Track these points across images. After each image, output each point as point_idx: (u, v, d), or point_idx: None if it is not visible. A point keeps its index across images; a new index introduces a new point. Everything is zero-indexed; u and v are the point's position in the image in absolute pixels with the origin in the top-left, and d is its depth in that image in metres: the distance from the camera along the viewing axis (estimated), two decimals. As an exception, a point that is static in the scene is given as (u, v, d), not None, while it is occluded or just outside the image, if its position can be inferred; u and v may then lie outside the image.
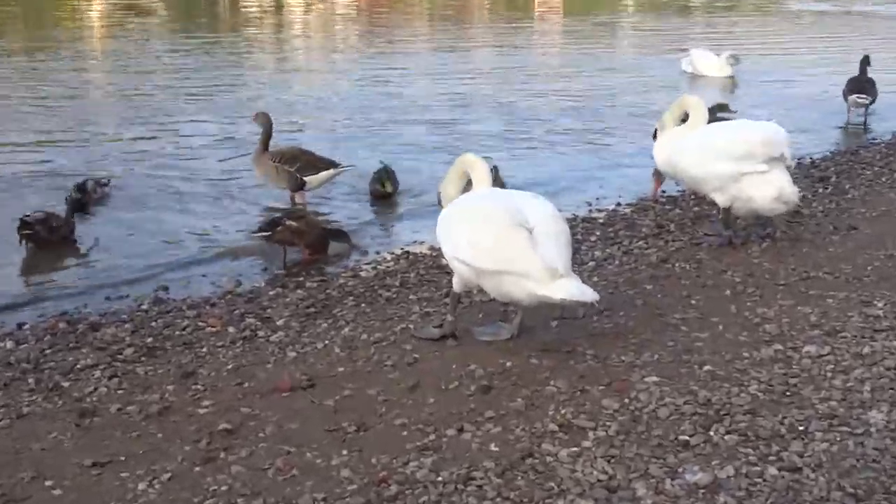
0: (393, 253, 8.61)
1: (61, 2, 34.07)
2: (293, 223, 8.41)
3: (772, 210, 7.85)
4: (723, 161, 7.74)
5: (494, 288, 5.67)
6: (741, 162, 7.70)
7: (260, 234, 8.49)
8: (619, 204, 10.13)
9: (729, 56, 18.83)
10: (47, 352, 6.24)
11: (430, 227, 9.25)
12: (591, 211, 9.92)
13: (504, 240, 5.49)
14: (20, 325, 6.92)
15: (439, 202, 6.46)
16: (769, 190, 7.71)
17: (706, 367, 5.46)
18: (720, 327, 6.13)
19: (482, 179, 6.13)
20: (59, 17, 29.71)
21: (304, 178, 10.10)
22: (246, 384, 5.52)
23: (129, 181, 10.89)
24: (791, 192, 7.74)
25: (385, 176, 10.43)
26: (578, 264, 7.75)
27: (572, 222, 9.27)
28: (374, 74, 18.71)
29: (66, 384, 5.66)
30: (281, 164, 10.05)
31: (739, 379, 5.30)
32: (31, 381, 5.72)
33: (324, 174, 10.22)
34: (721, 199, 7.90)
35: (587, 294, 5.45)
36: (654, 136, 8.81)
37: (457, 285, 5.91)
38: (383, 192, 10.34)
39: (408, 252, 8.57)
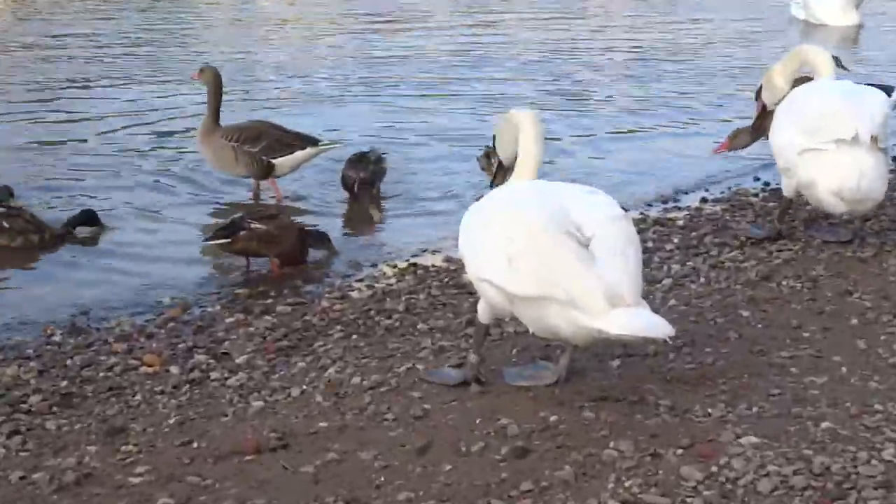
0: (395, 266, 8.64)
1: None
2: (260, 226, 8.45)
3: (831, 206, 7.96)
4: (788, 130, 7.98)
5: (533, 319, 5.65)
6: (804, 135, 7.85)
7: (216, 240, 8.53)
8: (705, 200, 10.14)
9: None
10: (-78, 399, 6.30)
11: (445, 231, 9.35)
12: (666, 209, 9.94)
13: (549, 255, 5.44)
14: None
15: (485, 167, 6.40)
16: (829, 180, 7.79)
17: (824, 425, 5.44)
18: (843, 370, 6.12)
19: (530, 162, 6.08)
20: None
21: (273, 162, 10.11)
22: (195, 444, 5.55)
23: (33, 162, 11.00)
24: (855, 187, 7.72)
25: (362, 159, 10.28)
26: (648, 282, 7.76)
27: (640, 225, 9.30)
28: (380, 26, 18.82)
29: (-51, 443, 5.71)
30: (240, 143, 10.05)
31: (869, 440, 5.28)
32: None
33: (299, 154, 10.23)
34: (784, 183, 8.27)
35: (659, 328, 5.39)
36: (757, 97, 9.01)
37: (483, 314, 5.91)
38: (355, 179, 10.12)
39: (415, 265, 8.60)
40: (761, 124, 9.39)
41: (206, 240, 8.71)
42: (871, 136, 7.64)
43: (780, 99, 8.46)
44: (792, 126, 7.98)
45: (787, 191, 8.24)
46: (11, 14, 19.55)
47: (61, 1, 20.61)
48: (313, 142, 10.38)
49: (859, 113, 7.70)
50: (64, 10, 19.69)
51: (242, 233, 8.41)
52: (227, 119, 10.37)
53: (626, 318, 5.32)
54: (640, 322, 5.37)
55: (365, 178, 9.98)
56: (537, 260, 5.43)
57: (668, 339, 5.53)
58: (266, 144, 10.06)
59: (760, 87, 9.04)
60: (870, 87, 8.48)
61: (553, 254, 5.42)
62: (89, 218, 9.28)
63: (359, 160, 10.22)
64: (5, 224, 8.93)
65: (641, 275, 5.61)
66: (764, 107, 9.09)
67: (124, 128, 12.69)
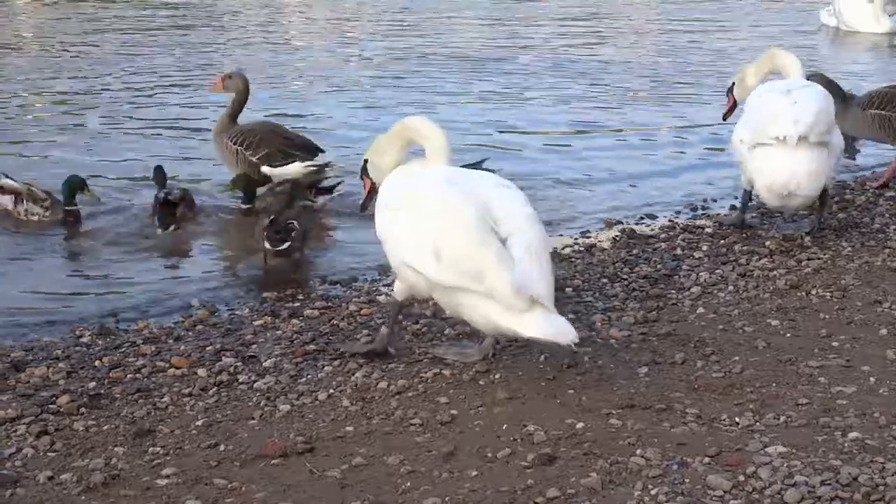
0: (422, 271, 8.62)
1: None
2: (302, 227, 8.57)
3: (766, 200, 8.59)
4: (741, 127, 8.67)
5: (451, 306, 6.12)
6: (752, 132, 8.49)
7: (276, 247, 8.54)
8: (734, 207, 10.10)
9: (888, 3, 18.63)
10: (-46, 398, 6.33)
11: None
12: (695, 217, 9.92)
13: (474, 252, 5.82)
14: (-87, 364, 7.02)
15: (363, 174, 6.74)
16: (764, 176, 8.39)
17: (852, 435, 5.43)
18: (872, 380, 6.11)
19: (438, 152, 6.33)
20: None
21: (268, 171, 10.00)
22: (221, 447, 5.57)
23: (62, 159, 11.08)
24: (784, 184, 8.24)
25: None
26: (677, 289, 7.76)
27: (669, 232, 9.30)
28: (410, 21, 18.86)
29: (-23, 443, 5.74)
30: (243, 148, 10.03)
31: (898, 451, 5.28)
32: (-71, 438, 5.81)
33: (297, 167, 10.04)
34: (742, 177, 8.91)
35: (564, 333, 5.76)
36: (729, 91, 9.72)
37: (399, 293, 6.36)
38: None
39: (443, 269, 8.58)
40: None
41: (268, 249, 8.69)
42: (801, 136, 8.14)
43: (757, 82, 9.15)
44: (744, 123, 8.65)
45: (744, 183, 8.90)
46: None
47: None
48: (312, 152, 10.18)
49: (793, 113, 8.21)
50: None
51: (293, 234, 8.49)
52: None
53: (539, 322, 5.75)
54: (550, 327, 5.76)
55: None
56: (464, 255, 5.82)
57: (573, 345, 5.90)
58: (266, 153, 9.99)
59: (733, 84, 9.54)
60: (819, 87, 8.86)
61: (479, 251, 5.80)
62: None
63: None
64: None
65: (553, 275, 6.00)
66: (734, 102, 9.74)
67: (147, 128, 12.77)
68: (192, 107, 13.90)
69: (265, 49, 17.41)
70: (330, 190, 10.12)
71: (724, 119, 10.08)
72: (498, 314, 5.81)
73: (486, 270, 5.76)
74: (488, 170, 9.97)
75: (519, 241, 5.88)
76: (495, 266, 5.76)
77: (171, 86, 15.16)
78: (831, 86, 10.27)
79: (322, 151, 10.30)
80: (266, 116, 11.66)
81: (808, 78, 10.08)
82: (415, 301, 6.47)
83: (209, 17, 19.75)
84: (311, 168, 10.10)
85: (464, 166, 10.17)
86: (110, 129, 12.98)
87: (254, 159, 9.97)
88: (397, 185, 6.33)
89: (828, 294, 7.52)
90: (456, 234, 5.86)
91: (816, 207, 8.81)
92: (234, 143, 10.10)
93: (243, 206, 9.90)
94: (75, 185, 9.66)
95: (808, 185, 8.27)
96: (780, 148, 8.26)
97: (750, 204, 9.24)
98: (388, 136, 6.57)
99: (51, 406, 6.13)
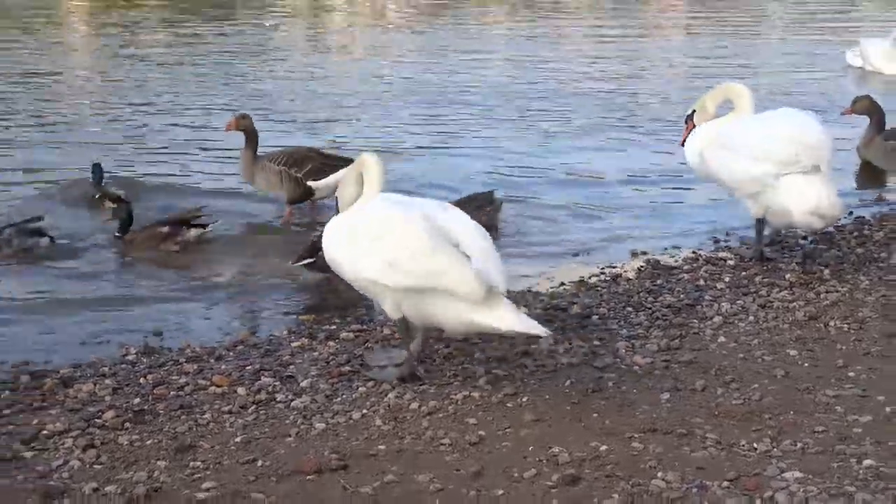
0: (454, 297, 8.64)
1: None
2: None
3: (806, 223, 8.73)
4: (752, 161, 8.76)
5: (424, 314, 6.37)
6: (774, 164, 8.64)
7: (301, 262, 8.62)
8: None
9: None
10: (5, 412, 6.38)
11: (503, 264, 9.39)
12: (717, 248, 9.91)
13: (432, 255, 6.17)
14: (-31, 379, 7.09)
15: (337, 210, 6.95)
16: (802, 201, 8.56)
17: (867, 462, 5.42)
18: (887, 409, 6.09)
19: (374, 184, 6.71)
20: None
21: (312, 185, 10.52)
22: (259, 462, 5.61)
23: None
24: (830, 205, 8.52)
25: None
26: (700, 318, 7.76)
27: (693, 262, 9.30)
28: (447, 62, 18.90)
29: (28, 454, 5.77)
30: (287, 167, 10.49)
31: (911, 479, 5.27)
32: (-17, 449, 5.87)
33: (333, 178, 10.37)
34: (753, 208, 8.97)
35: (536, 326, 6.14)
36: (687, 120, 9.80)
37: (390, 312, 6.52)
38: None
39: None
40: None
41: (293, 262, 8.80)
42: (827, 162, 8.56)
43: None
44: (752, 159, 8.74)
45: (757, 214, 9.01)
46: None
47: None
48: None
49: (823, 142, 8.59)
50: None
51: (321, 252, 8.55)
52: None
53: (511, 316, 6.13)
54: (523, 321, 6.14)
55: None
56: (419, 257, 6.16)
57: (547, 336, 6.28)
58: (310, 168, 10.50)
59: (692, 113, 9.67)
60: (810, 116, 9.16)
61: (434, 251, 6.16)
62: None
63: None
64: None
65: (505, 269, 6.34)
66: (693, 127, 9.77)
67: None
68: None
69: (304, 80, 17.50)
70: (204, 226, 10.20)
71: (682, 144, 10.05)
72: (470, 312, 6.15)
73: (445, 267, 6.14)
74: (500, 199, 10.05)
75: (471, 243, 6.30)
76: (453, 261, 6.14)
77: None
78: (878, 110, 10.42)
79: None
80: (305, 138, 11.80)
81: (856, 100, 10.27)
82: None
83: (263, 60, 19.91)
84: None
85: (474, 195, 10.24)
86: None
87: (299, 175, 10.41)
88: (344, 218, 6.70)
89: (845, 326, 7.51)
90: (409, 244, 6.22)
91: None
92: (279, 165, 10.46)
93: (116, 235, 10.07)
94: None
95: (840, 205, 8.68)
96: (816, 177, 8.54)
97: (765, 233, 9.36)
98: (349, 169, 6.97)
99: (97, 420, 6.18)
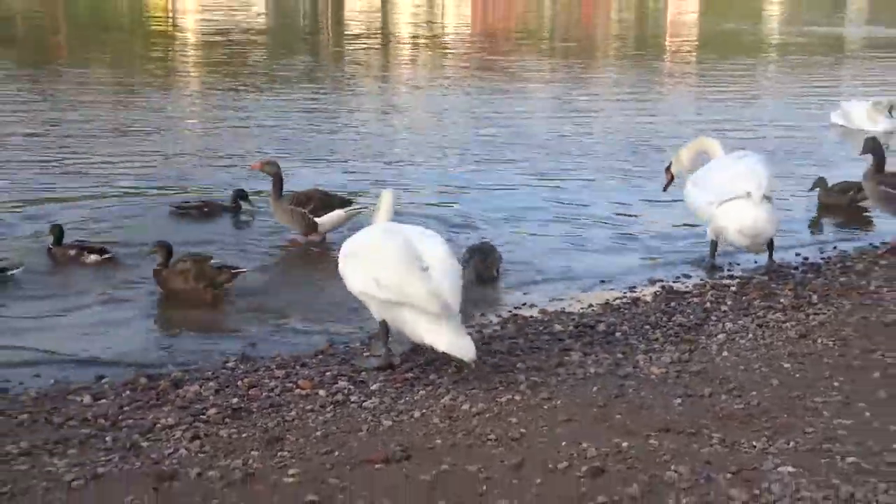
0: (500, 315, 8.63)
1: (152, 38, 35.46)
2: None
3: (738, 242, 9.50)
4: (704, 193, 9.57)
5: (397, 321, 6.80)
6: (717, 193, 9.41)
7: None
8: (755, 270, 10.00)
9: (878, 103, 18.31)
10: (126, 408, 6.44)
11: (540, 290, 9.38)
12: (722, 277, 9.83)
13: (402, 272, 6.59)
14: (99, 379, 7.15)
15: None
16: (734, 224, 9.33)
17: (850, 459, 5.34)
18: (867, 414, 6.00)
19: (382, 215, 7.41)
20: (149, 47, 30.93)
21: (316, 220, 10.70)
22: (336, 453, 5.61)
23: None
24: (752, 226, 9.23)
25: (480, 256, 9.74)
26: (706, 336, 7.70)
27: (701, 288, 9.23)
28: (485, 112, 18.91)
29: (144, 444, 5.83)
30: (296, 206, 10.71)
31: (889, 474, 5.17)
32: (108, 439, 5.90)
33: (339, 213, 10.75)
34: (708, 230, 9.82)
35: (467, 351, 6.52)
36: (667, 169, 10.64)
37: (376, 313, 6.98)
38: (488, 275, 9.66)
39: (516, 315, 8.59)
40: None
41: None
42: (761, 192, 9.15)
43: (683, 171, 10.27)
44: (706, 190, 9.55)
45: (711, 235, 9.80)
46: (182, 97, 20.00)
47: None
48: (347, 203, 10.89)
49: (756, 174, 9.25)
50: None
51: None
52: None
53: (451, 339, 6.54)
54: (458, 345, 6.53)
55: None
56: (394, 277, 6.60)
57: (470, 362, 6.63)
58: (313, 206, 10.67)
59: (671, 164, 10.50)
60: (760, 156, 9.85)
61: (404, 273, 6.59)
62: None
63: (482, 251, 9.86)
64: None
65: (461, 293, 6.69)
66: (672, 177, 10.66)
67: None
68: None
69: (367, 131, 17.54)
70: (101, 251, 9.97)
71: (664, 190, 10.98)
72: (423, 327, 6.59)
73: (409, 285, 6.54)
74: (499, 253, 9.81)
75: (437, 266, 6.67)
76: (416, 281, 6.53)
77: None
78: (878, 148, 10.85)
79: (351, 203, 10.93)
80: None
81: (866, 141, 11.06)
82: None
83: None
84: (352, 212, 10.84)
85: (477, 245, 9.98)
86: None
87: (306, 212, 10.63)
88: (351, 241, 7.19)
89: (831, 342, 7.41)
90: (387, 265, 6.66)
91: (769, 251, 9.74)
92: (291, 205, 10.71)
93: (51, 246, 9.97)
94: None
95: (770, 228, 9.32)
96: (746, 201, 9.19)
97: (717, 252, 9.98)
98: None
99: (202, 416, 6.23)
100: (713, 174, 9.62)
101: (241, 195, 11.86)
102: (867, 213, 12.43)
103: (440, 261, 6.74)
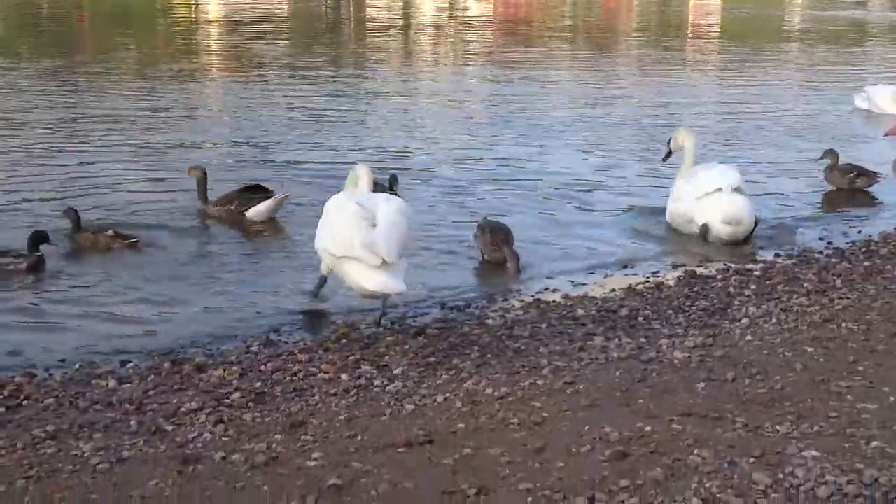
0: (522, 300, 8.60)
1: (173, 28, 35.54)
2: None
3: (721, 231, 10.33)
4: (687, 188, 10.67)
5: (343, 273, 7.48)
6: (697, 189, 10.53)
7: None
8: (778, 255, 9.95)
9: None
10: (150, 393, 6.46)
11: (563, 274, 9.34)
12: (746, 262, 9.77)
13: (349, 230, 7.24)
14: (123, 363, 7.17)
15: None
16: (716, 215, 10.29)
17: (874, 443, 5.30)
18: (892, 398, 5.96)
19: (360, 185, 8.32)
20: (172, 39, 30.99)
21: (245, 213, 10.97)
22: (359, 437, 5.61)
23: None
24: (733, 215, 10.25)
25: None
26: (730, 320, 7.66)
27: (724, 273, 9.18)
28: (509, 99, 18.86)
29: (169, 428, 5.84)
30: (221, 206, 11.05)
31: (913, 458, 5.14)
32: (132, 423, 5.92)
33: (269, 203, 10.96)
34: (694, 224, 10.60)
35: (390, 287, 7.17)
36: (668, 143, 11.63)
37: (323, 269, 7.90)
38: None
39: (539, 300, 8.56)
40: None
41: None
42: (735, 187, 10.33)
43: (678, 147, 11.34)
44: (690, 187, 10.57)
45: (695, 228, 10.52)
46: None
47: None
48: (269, 195, 11.04)
49: (726, 173, 10.50)
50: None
51: None
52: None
53: (376, 279, 7.16)
54: (381, 282, 7.15)
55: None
56: (343, 234, 7.29)
57: (396, 294, 7.41)
58: (236, 204, 11.01)
59: (670, 139, 11.54)
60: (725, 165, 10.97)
61: (351, 231, 7.25)
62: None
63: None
64: None
65: (402, 240, 7.28)
66: (670, 151, 11.60)
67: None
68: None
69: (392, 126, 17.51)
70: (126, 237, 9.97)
71: (663, 161, 11.91)
72: (359, 273, 7.24)
73: (353, 240, 7.18)
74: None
75: (381, 221, 7.30)
76: (357, 236, 7.17)
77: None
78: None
79: (270, 190, 11.12)
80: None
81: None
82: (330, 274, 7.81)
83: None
84: (278, 201, 11.03)
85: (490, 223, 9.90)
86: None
87: (232, 208, 11.03)
88: (327, 204, 7.77)
89: (855, 327, 7.37)
90: (341, 225, 7.36)
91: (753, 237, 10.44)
92: (216, 206, 11.09)
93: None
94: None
95: (745, 215, 10.32)
96: (721, 193, 10.30)
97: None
98: (351, 174, 8.57)
99: (225, 400, 6.24)
100: (701, 170, 10.79)
101: (394, 180, 11.47)
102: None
103: (384, 217, 7.34)
